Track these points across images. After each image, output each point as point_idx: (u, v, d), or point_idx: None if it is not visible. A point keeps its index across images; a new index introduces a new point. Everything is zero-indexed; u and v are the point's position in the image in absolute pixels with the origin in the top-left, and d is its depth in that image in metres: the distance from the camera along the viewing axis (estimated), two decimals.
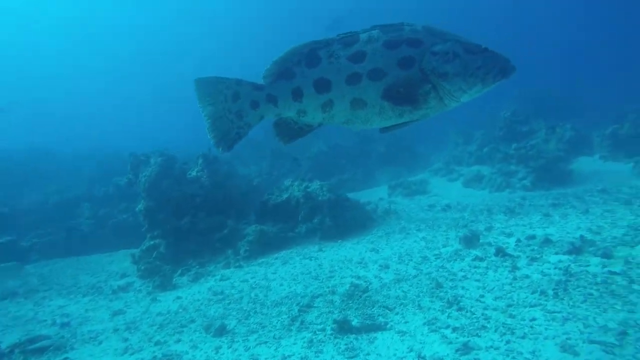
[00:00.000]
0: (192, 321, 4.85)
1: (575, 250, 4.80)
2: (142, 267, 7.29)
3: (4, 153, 14.39)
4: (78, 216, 10.50)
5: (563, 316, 3.31)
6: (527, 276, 4.41)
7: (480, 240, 6.10)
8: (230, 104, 2.78)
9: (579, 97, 17.05)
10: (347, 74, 2.55)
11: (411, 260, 5.79)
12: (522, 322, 3.38)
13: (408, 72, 2.47)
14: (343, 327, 3.80)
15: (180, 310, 5.34)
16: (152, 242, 7.75)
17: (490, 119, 15.03)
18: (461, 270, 5.03)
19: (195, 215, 8.01)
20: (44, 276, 8.23)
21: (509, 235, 6.31)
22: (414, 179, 12.43)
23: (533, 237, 5.81)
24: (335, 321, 3.86)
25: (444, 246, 6.27)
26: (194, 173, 8.23)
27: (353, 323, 3.87)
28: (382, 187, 12.80)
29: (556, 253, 4.94)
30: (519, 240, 5.79)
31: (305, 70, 2.68)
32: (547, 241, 5.48)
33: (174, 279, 6.83)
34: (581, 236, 5.15)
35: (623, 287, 3.64)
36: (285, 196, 9.07)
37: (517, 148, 10.51)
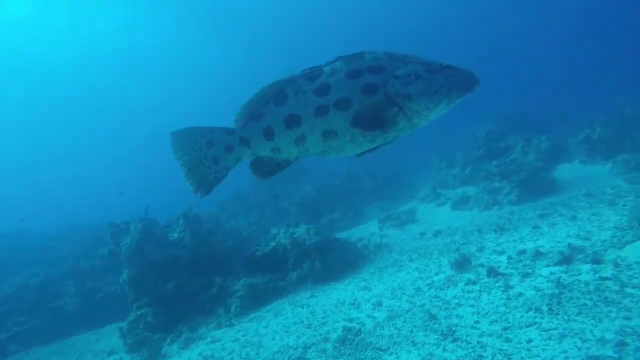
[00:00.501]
0: None
1: (566, 259, 4.67)
2: (130, 341, 6.92)
3: None
4: (63, 295, 10.10)
5: (559, 333, 3.13)
6: (520, 294, 4.24)
7: (472, 263, 5.95)
8: (206, 151, 2.90)
9: (553, 109, 17.52)
10: (315, 107, 2.62)
11: (404, 293, 5.59)
12: (518, 346, 3.19)
13: (373, 98, 2.53)
14: None
15: None
16: (139, 312, 7.41)
17: (469, 140, 15.26)
18: (455, 297, 4.84)
19: (180, 278, 7.75)
20: None
21: (501, 253, 6.18)
22: (403, 209, 12.34)
23: (524, 251, 5.68)
24: None
25: (437, 274, 6.09)
26: (175, 234, 8.06)
27: None
28: (373, 221, 12.67)
29: (547, 265, 4.80)
30: (510, 257, 5.66)
31: (274, 109, 2.76)
32: (538, 254, 5.35)
33: (164, 349, 6.47)
34: (569, 244, 5.03)
35: (616, 293, 3.50)
36: (272, 245, 8.87)
37: (497, 165, 10.57)
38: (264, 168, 2.92)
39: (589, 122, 12.70)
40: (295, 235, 8.55)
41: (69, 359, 7.76)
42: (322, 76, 2.68)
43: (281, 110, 2.74)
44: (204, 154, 2.91)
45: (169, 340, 6.76)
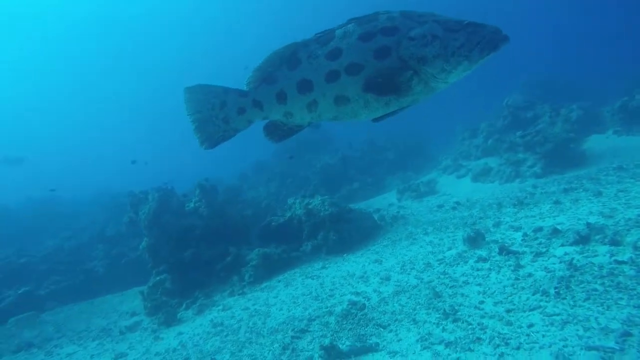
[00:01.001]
0: (187, 359, 4.71)
1: (582, 239, 4.45)
2: (149, 305, 7.24)
3: (18, 205, 14.84)
4: (93, 258, 10.63)
5: (562, 319, 3.00)
6: (530, 275, 4.09)
7: (486, 239, 5.78)
8: (218, 111, 2.93)
9: (587, 77, 16.40)
10: (326, 72, 2.56)
11: (413, 268, 5.52)
12: (519, 330, 3.09)
13: (385, 61, 2.41)
14: (331, 354, 3.58)
15: (179, 347, 5.22)
16: (158, 278, 7.70)
17: (496, 109, 14.58)
18: (463, 274, 4.73)
19: (197, 247, 7.95)
20: (59, 323, 8.29)
21: (517, 229, 5.96)
22: (423, 180, 12.10)
23: (541, 229, 5.45)
24: (322, 347, 3.64)
25: (449, 249, 5.97)
26: (192, 205, 8.20)
27: (342, 348, 3.64)
28: (393, 192, 12.49)
29: (562, 245, 4.59)
30: (525, 235, 5.45)
31: (287, 73, 2.72)
32: (555, 232, 5.13)
33: (179, 314, 6.74)
34: (588, 224, 4.78)
35: (630, 278, 3.30)
36: (288, 215, 8.93)
37: (522, 135, 10.10)
38: (277, 132, 2.91)
39: (627, 89, 11.85)
40: (310, 206, 8.55)
41: (96, 317, 8.23)
42: (334, 40, 2.60)
43: (294, 74, 2.70)
44: (216, 113, 2.93)
45: (184, 305, 7.03)
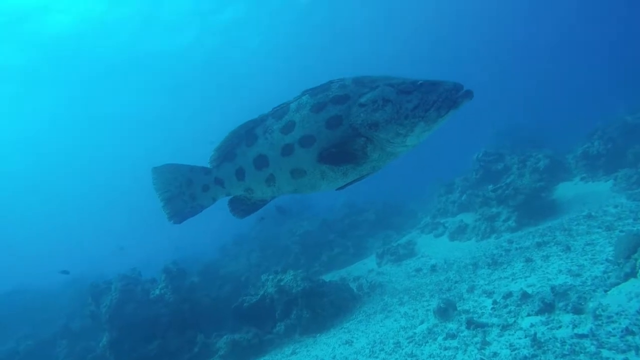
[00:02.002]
0: None
1: (547, 307, 4.23)
2: None
3: None
4: (55, 357, 9.87)
5: None
6: (495, 354, 3.81)
7: (458, 308, 5.52)
8: (185, 188, 3.03)
9: (555, 120, 17.00)
10: (281, 146, 2.57)
11: (383, 350, 5.17)
12: None
13: (337, 131, 2.38)
14: None
15: None
16: None
17: (471, 161, 14.84)
18: (430, 356, 4.41)
19: (164, 337, 7.45)
20: None
21: (490, 294, 5.73)
22: (402, 241, 11.89)
23: (510, 294, 5.22)
24: None
25: (421, 322, 5.67)
26: (157, 291, 7.83)
27: None
28: (373, 256, 12.21)
29: (529, 314, 4.35)
30: (495, 302, 5.21)
31: (245, 149, 2.78)
32: (524, 297, 4.90)
33: None
34: (552, 288, 4.59)
35: (591, 356, 3.06)
36: (260, 293, 8.54)
37: (494, 189, 10.13)
38: (241, 207, 2.94)
39: (588, 133, 12.21)
40: (282, 283, 8.21)
41: None
42: (288, 113, 2.62)
43: (251, 150, 2.74)
44: (183, 190, 3.02)
45: None
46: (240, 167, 2.80)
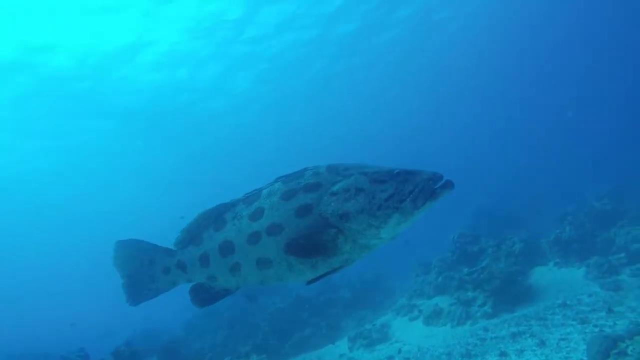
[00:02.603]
0: None
1: None
2: None
3: None
4: None
5: None
6: None
7: None
8: (146, 268, 2.87)
9: (531, 201, 17.34)
10: (248, 233, 2.41)
11: None
12: None
13: (306, 220, 2.26)
14: None
15: None
16: None
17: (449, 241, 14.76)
18: None
19: None
20: None
21: None
22: (375, 324, 11.31)
23: None
24: None
25: None
26: None
27: None
28: (345, 339, 11.51)
29: None
30: None
31: (212, 234, 2.62)
32: None
33: None
34: None
35: None
36: None
37: (469, 273, 9.94)
38: (202, 295, 2.73)
39: (559, 217, 12.40)
40: None
41: None
42: (259, 199, 2.48)
43: (218, 235, 2.59)
44: (144, 270, 2.88)
45: None
46: (205, 252, 2.64)
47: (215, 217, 2.66)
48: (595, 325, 6.01)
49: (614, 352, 3.97)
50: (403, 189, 2.12)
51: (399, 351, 8.84)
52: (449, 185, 2.12)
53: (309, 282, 2.41)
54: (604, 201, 12.13)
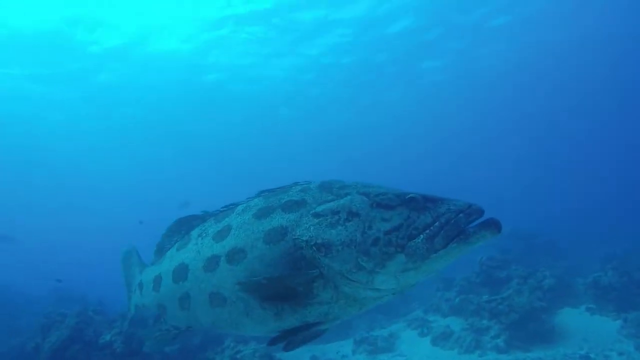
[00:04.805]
0: None
1: None
2: None
3: None
4: None
5: None
6: None
7: None
8: (131, 279, 2.92)
9: (571, 233, 16.14)
10: (207, 257, 1.93)
11: None
12: None
13: (276, 248, 1.71)
14: None
15: None
16: None
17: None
18: None
19: None
20: None
21: None
22: (384, 332, 11.13)
23: None
24: None
25: None
26: (107, 337, 7.47)
27: None
28: (351, 340, 11.43)
29: None
30: None
31: (174, 253, 2.24)
32: None
33: None
34: None
35: None
36: None
37: (488, 300, 9.43)
38: (158, 338, 2.39)
39: (603, 258, 11.39)
40: (238, 356, 7.68)
41: None
42: (230, 215, 2.02)
43: (178, 256, 2.17)
44: (129, 282, 2.93)
45: None
46: (160, 275, 2.25)
47: (187, 230, 2.27)
48: None
49: None
50: (416, 221, 1.51)
51: None
52: (490, 225, 1.45)
53: (273, 341, 1.85)
54: None
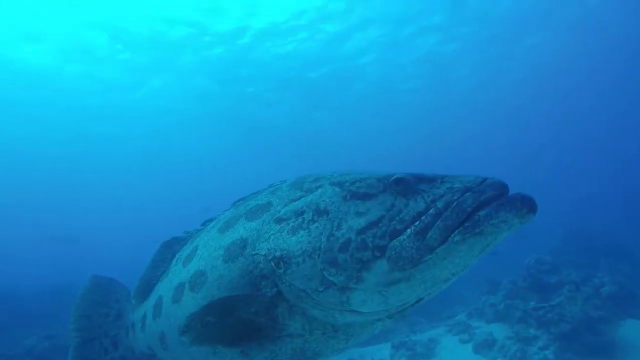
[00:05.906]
0: None
1: None
2: None
3: (30, 292, 15.19)
4: None
5: None
6: None
7: None
8: (111, 322, 2.65)
9: (636, 234, 14.66)
10: (175, 285, 1.69)
11: None
12: None
13: (234, 267, 1.40)
14: None
15: None
16: None
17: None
18: None
19: None
20: None
21: None
22: (423, 337, 10.71)
23: None
24: None
25: None
26: None
27: None
28: (389, 344, 11.11)
29: None
30: None
31: (159, 284, 2.03)
32: None
33: None
34: None
35: None
36: None
37: (535, 307, 8.76)
38: None
39: None
40: None
41: None
42: (202, 233, 1.79)
43: (159, 287, 1.97)
44: (108, 325, 2.62)
45: None
46: (145, 313, 2.04)
47: (171, 256, 1.98)
48: None
49: None
50: (403, 210, 1.13)
51: None
52: (514, 204, 1.01)
53: None
54: None
